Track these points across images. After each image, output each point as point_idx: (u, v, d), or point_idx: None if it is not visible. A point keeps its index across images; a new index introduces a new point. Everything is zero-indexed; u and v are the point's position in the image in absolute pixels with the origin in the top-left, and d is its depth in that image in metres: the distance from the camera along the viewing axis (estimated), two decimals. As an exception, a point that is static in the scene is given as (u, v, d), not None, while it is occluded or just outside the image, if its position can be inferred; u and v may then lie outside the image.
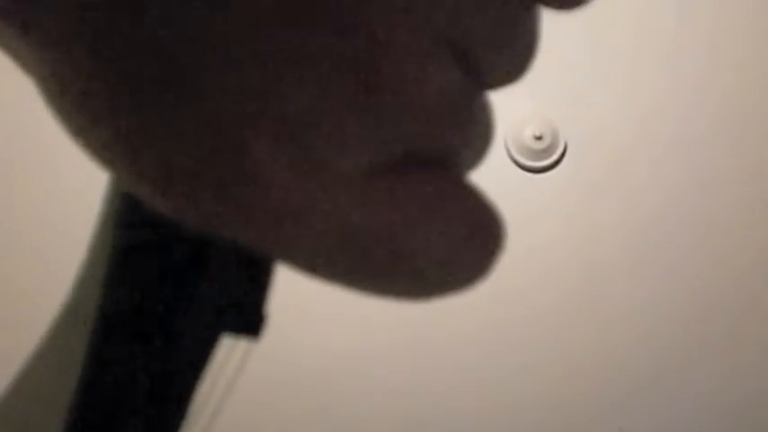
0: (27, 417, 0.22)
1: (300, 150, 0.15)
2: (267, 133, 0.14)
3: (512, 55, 0.18)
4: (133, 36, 0.14)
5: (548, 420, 1.31)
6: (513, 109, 1.27)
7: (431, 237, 0.16)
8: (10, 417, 0.22)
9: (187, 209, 0.15)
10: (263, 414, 1.28)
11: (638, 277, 1.30)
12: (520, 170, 1.28)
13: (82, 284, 0.21)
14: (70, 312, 0.21)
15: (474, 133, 0.17)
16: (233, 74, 0.14)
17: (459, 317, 1.30)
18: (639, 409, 1.30)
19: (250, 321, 0.21)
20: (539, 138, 1.28)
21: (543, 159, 1.28)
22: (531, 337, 1.31)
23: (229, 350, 0.21)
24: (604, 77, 1.28)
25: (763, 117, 1.27)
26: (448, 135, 0.17)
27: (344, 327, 1.28)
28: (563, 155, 1.29)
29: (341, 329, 1.28)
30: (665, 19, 1.27)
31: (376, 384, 1.30)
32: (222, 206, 0.15)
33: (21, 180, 1.28)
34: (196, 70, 0.14)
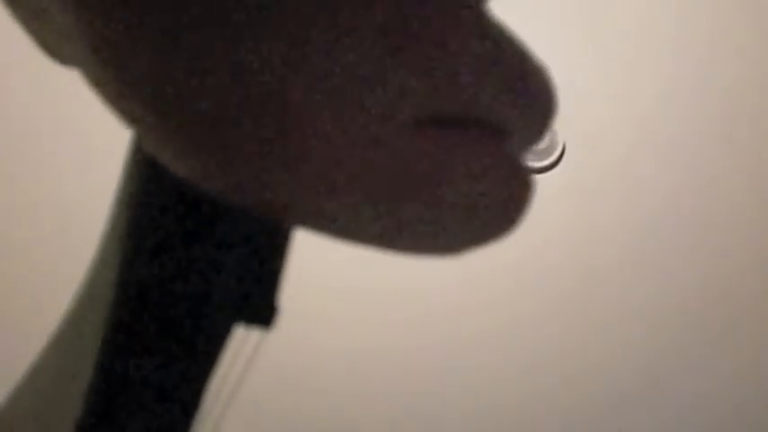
0: (43, 402, 0.21)
1: (343, 101, 0.15)
2: (309, 83, 0.14)
3: None
4: None
5: (547, 420, 1.31)
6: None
7: (464, 190, 0.16)
8: (26, 403, 0.22)
9: (224, 170, 0.15)
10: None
11: (637, 278, 1.30)
12: (519, 170, 1.28)
13: (96, 272, 0.21)
14: (84, 300, 0.21)
15: (525, 103, 0.17)
16: (271, 24, 0.14)
17: (459, 317, 1.29)
18: (639, 409, 1.30)
19: (263, 312, 0.21)
20: (538, 138, 1.28)
21: (542, 160, 1.28)
22: (529, 338, 1.31)
23: (242, 341, 0.21)
24: (603, 78, 1.28)
25: (763, 117, 1.27)
26: (494, 100, 0.17)
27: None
28: (562, 155, 1.28)
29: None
30: (664, 19, 1.27)
31: (380, 382, 1.30)
32: (266, 162, 0.15)
33: (20, 181, 1.28)
34: (232, 24, 0.14)
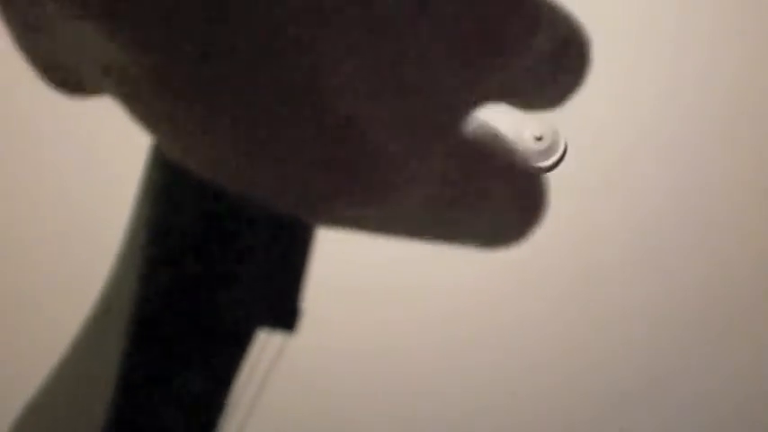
0: (64, 409, 0.21)
1: (403, 109, 0.15)
2: (368, 96, 0.14)
3: None
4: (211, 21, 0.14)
5: (548, 420, 1.31)
6: (512, 109, 1.26)
7: (500, 193, 0.17)
8: (46, 411, 0.22)
9: (275, 185, 0.15)
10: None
11: (638, 278, 1.30)
12: (520, 170, 1.28)
13: (117, 276, 0.21)
14: (105, 305, 0.21)
15: (571, 78, 0.18)
16: (328, 38, 0.14)
17: (460, 316, 1.29)
18: (639, 409, 1.30)
19: (285, 315, 0.21)
20: (539, 138, 1.28)
21: (543, 160, 1.28)
22: (530, 338, 1.31)
23: (264, 345, 0.20)
24: (605, 78, 1.28)
25: (764, 117, 1.28)
26: (545, 91, 0.17)
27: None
28: (563, 156, 1.28)
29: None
30: (665, 19, 1.27)
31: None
32: (334, 181, 0.15)
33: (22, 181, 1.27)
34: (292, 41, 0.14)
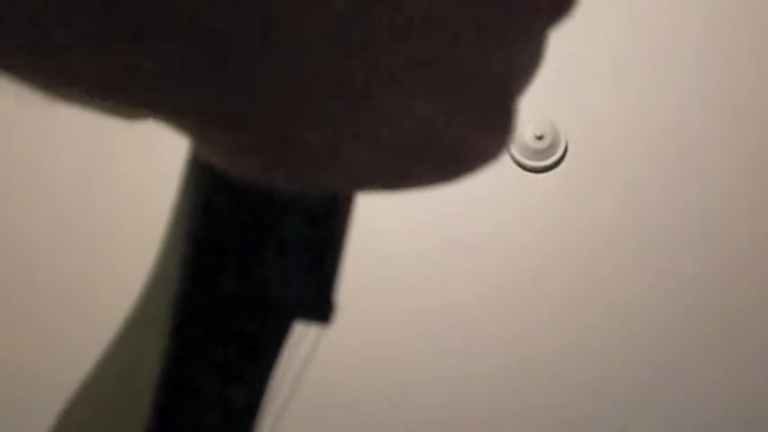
0: (109, 400, 0.21)
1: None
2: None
3: None
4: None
5: (548, 420, 1.31)
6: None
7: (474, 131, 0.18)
8: (92, 402, 0.22)
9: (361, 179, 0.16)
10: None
11: (637, 277, 1.30)
12: (521, 170, 1.28)
13: (159, 272, 0.21)
14: (149, 299, 0.21)
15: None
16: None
17: (461, 315, 1.30)
18: (639, 409, 1.30)
19: (321, 307, 0.21)
20: (540, 137, 1.28)
21: (544, 159, 1.28)
22: (530, 337, 1.31)
23: (300, 338, 0.21)
24: (605, 77, 1.28)
25: (763, 117, 1.28)
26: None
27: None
28: (564, 155, 1.29)
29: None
30: (665, 19, 1.28)
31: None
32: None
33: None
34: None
